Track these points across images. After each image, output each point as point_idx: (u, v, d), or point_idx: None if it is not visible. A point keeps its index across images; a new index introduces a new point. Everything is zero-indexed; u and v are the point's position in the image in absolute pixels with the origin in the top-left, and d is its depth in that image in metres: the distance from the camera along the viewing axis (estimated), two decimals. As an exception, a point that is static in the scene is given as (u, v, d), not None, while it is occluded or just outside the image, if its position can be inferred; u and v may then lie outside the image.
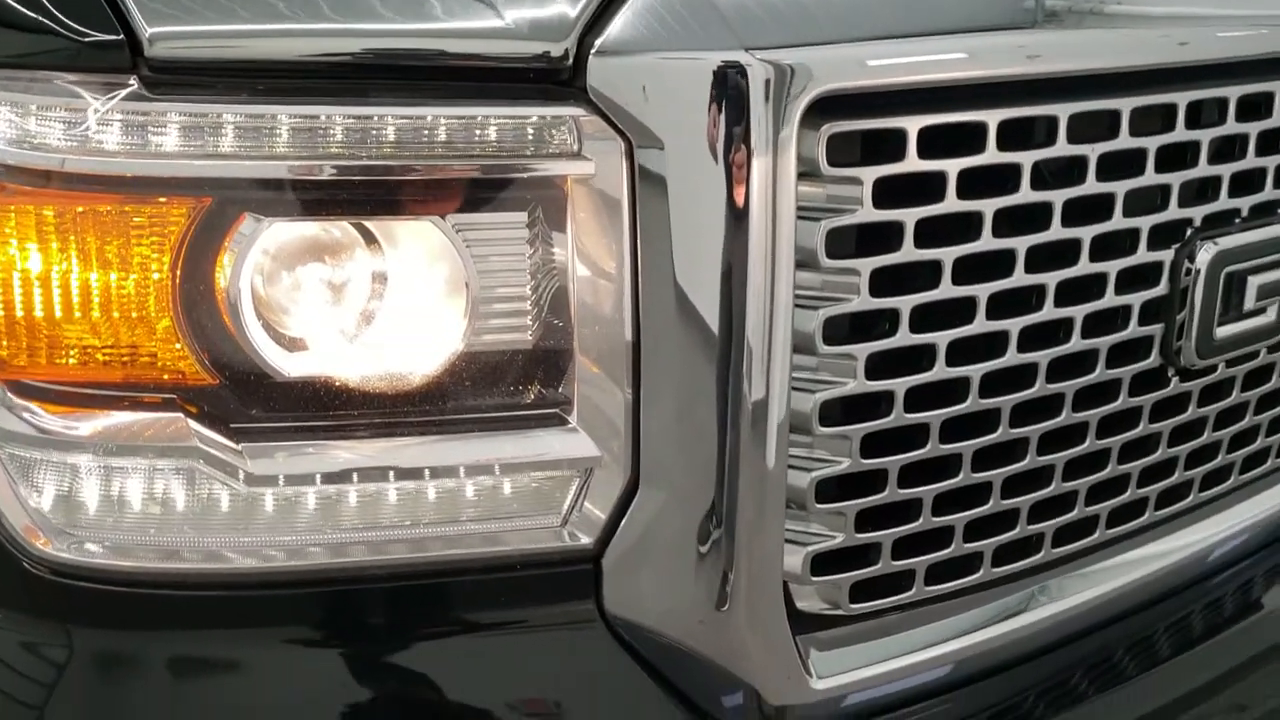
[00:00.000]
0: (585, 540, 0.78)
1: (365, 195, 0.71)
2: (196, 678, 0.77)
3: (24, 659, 0.77)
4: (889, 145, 0.75)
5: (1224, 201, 0.93)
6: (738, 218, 0.71)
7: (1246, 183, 0.94)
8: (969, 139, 0.78)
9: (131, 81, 0.67)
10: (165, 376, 0.71)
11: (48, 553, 0.74)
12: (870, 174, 0.75)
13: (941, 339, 0.80)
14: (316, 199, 0.71)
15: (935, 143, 0.76)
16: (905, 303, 0.78)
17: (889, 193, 0.75)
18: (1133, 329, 0.89)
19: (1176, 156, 0.88)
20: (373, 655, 0.78)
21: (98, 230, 0.69)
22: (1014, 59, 0.81)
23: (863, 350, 0.78)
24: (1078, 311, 0.86)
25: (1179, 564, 1.02)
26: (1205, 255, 0.91)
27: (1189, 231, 0.91)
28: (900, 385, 0.79)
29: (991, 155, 0.78)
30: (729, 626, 0.80)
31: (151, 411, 0.71)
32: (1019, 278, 0.82)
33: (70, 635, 0.76)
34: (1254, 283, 0.95)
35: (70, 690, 0.76)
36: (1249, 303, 0.95)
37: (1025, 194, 0.81)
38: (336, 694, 0.77)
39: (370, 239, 0.73)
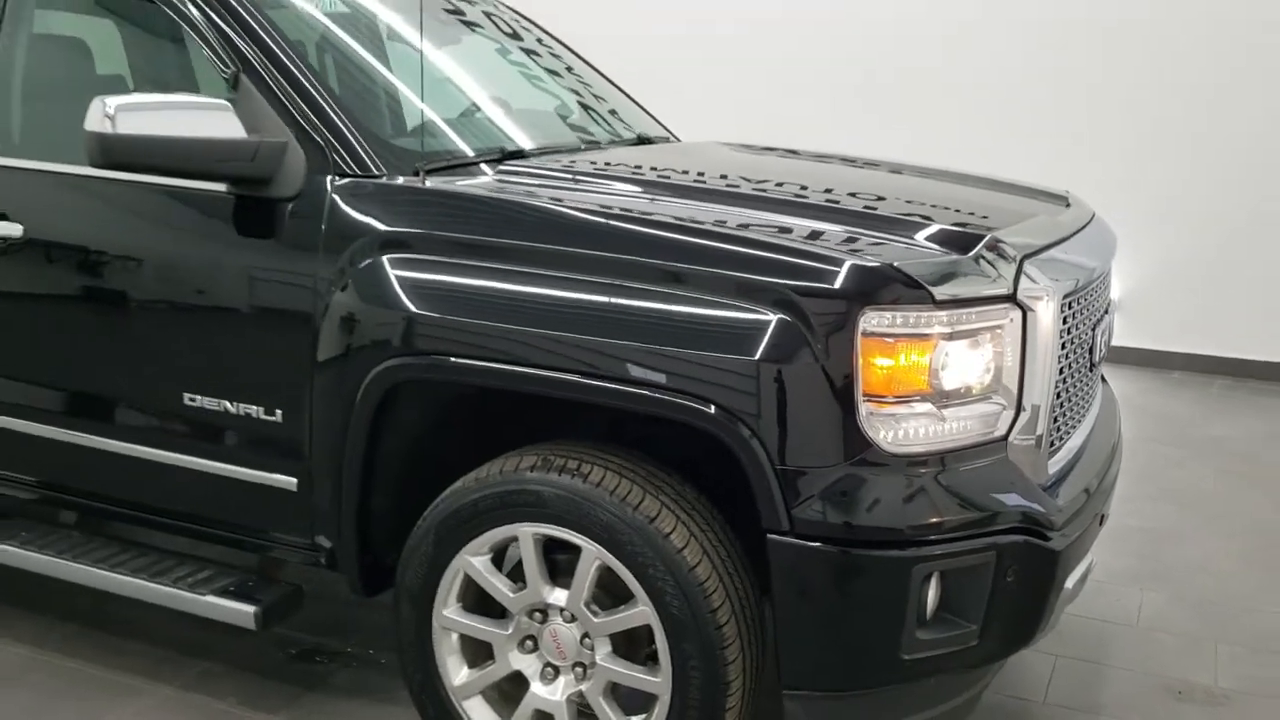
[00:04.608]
0: (1002, 431, 2.52)
1: (956, 334, 2.43)
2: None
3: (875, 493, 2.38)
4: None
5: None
6: (1050, 333, 2.53)
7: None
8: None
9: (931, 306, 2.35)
10: (918, 389, 2.38)
11: (888, 447, 2.36)
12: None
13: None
14: (954, 335, 2.42)
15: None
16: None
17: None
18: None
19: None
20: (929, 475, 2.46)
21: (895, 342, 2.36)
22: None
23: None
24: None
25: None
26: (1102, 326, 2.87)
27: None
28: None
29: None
30: (1032, 458, 2.58)
31: (913, 405, 2.38)
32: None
33: (888, 476, 2.38)
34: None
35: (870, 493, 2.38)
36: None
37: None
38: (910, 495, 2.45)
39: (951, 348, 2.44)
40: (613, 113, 3.96)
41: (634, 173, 3.14)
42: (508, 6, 4.09)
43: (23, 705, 3.20)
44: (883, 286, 2.34)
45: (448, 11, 3.83)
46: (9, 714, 3.15)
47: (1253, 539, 4.60)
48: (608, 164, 3.22)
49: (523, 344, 2.51)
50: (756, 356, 2.35)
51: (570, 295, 2.49)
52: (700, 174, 3.19)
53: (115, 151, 2.69)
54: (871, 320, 2.33)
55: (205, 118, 2.74)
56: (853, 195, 2.99)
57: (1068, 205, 3.29)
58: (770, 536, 2.40)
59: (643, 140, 3.82)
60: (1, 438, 3.26)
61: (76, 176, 3.06)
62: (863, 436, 2.35)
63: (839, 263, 2.38)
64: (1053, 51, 7.15)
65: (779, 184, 3.05)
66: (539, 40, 4.08)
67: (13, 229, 3.09)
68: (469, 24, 3.86)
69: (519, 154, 3.16)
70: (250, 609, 2.96)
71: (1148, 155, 6.99)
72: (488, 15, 3.97)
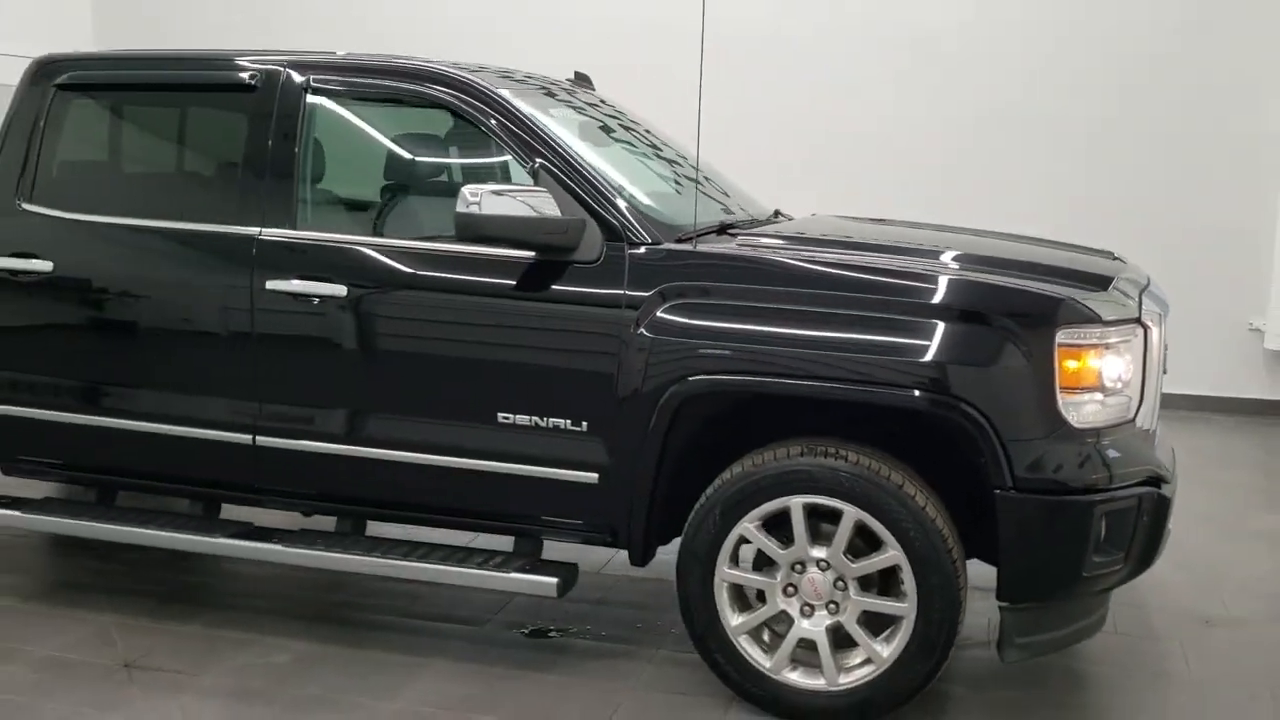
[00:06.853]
0: (1131, 415, 3.56)
1: (1110, 344, 3.49)
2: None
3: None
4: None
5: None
6: (1158, 345, 3.63)
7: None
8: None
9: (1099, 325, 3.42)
10: (1091, 384, 3.43)
11: (1075, 424, 3.39)
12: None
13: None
14: (1109, 346, 3.48)
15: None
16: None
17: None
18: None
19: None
20: (1096, 443, 3.52)
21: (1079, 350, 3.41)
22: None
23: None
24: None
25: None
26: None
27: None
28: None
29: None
30: (1147, 435, 3.65)
31: (1087, 395, 3.43)
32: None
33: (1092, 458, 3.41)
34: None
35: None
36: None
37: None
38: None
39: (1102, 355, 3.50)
40: (728, 194, 4.92)
41: (822, 236, 4.16)
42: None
43: (333, 685, 3.87)
44: (1070, 311, 3.40)
45: (612, 118, 4.76)
46: (338, 687, 3.86)
47: (1211, 524, 5.83)
48: (792, 232, 4.21)
49: (807, 361, 3.47)
50: (987, 363, 3.36)
51: (846, 330, 3.46)
52: (874, 237, 4.22)
53: (478, 227, 3.56)
54: (1063, 335, 3.37)
55: (532, 201, 3.62)
56: (993, 253, 4.03)
57: (1114, 258, 4.42)
58: (997, 492, 3.39)
59: (778, 214, 4.81)
60: (314, 461, 3.99)
61: (388, 247, 3.90)
62: (1060, 416, 3.38)
63: (1040, 296, 3.43)
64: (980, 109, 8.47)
65: (944, 244, 4.09)
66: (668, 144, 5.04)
67: (337, 289, 3.88)
68: (629, 126, 4.81)
69: (731, 226, 4.12)
70: (553, 580, 3.78)
71: (1075, 204, 8.27)
72: (636, 123, 4.92)
